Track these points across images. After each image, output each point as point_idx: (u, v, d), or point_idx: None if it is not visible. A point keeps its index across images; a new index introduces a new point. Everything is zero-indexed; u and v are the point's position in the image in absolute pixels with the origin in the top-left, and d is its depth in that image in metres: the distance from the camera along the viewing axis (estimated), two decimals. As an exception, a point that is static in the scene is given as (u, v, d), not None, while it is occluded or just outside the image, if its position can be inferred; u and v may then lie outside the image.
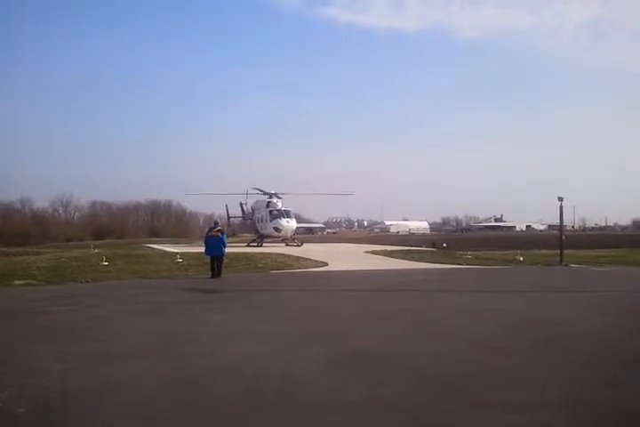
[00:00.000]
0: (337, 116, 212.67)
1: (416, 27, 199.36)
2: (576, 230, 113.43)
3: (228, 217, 51.65)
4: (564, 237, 25.55)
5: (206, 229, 20.88)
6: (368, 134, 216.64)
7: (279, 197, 41.79)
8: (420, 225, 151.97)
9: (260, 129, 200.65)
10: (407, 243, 45.62)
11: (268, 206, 40.88)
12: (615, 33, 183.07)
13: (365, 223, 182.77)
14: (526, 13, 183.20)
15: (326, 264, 22.33)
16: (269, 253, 25.96)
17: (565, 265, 23.01)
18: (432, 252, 32.33)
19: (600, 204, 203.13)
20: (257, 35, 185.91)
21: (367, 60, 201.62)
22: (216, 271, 17.45)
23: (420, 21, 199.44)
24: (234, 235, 55.22)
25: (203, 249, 18.78)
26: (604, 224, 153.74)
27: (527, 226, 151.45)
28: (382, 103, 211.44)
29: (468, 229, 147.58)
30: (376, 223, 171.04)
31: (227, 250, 18.24)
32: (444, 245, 41.02)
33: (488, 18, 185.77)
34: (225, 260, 18.23)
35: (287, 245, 38.42)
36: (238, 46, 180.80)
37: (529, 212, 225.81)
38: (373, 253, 30.12)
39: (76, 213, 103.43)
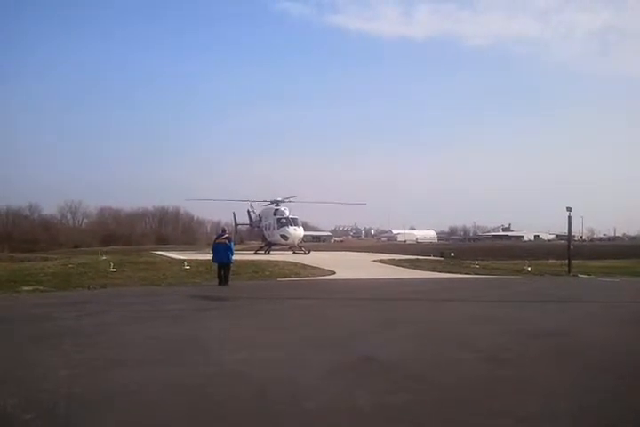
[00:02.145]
0: (342, 124, 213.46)
1: (425, 34, 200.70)
2: (584, 240, 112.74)
3: (236, 224, 51.74)
4: (572, 247, 25.40)
5: (214, 237, 20.89)
6: (374, 142, 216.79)
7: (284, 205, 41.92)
8: (427, 234, 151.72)
9: (266, 136, 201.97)
10: (414, 252, 45.46)
11: (275, 214, 40.91)
12: (623, 41, 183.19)
13: (373, 232, 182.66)
14: (535, 21, 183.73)
15: (333, 273, 22.29)
16: (277, 261, 25.96)
17: (574, 275, 22.88)
18: (440, 261, 32.24)
19: (608, 214, 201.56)
20: (264, 41, 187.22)
21: (374, 67, 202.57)
22: (223, 279, 17.45)
23: (428, 29, 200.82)
24: (241, 242, 55.34)
25: (210, 256, 18.80)
26: (612, 234, 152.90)
27: (535, 236, 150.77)
28: (388, 110, 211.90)
29: (476, 238, 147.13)
30: (383, 232, 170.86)
31: (234, 257, 18.23)
32: (452, 254, 40.86)
33: (497, 25, 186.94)
34: (232, 267, 18.22)
35: (294, 252, 38.42)
36: (245, 52, 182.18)
37: (537, 221, 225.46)
38: (381, 261, 30.05)
39: (84, 220, 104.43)
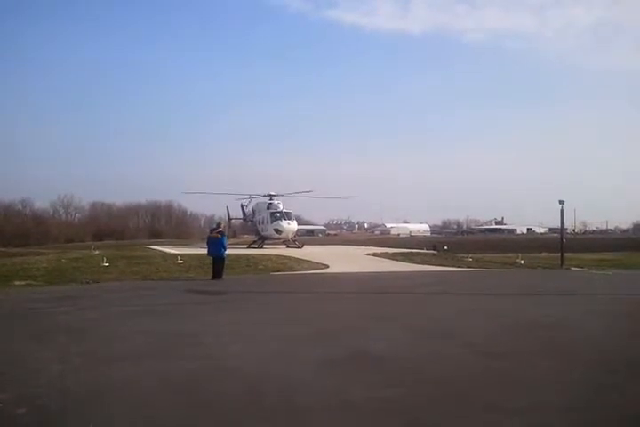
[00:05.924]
0: (338, 118, 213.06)
1: (421, 28, 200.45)
2: (577, 233, 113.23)
3: (229, 218, 51.56)
4: (564, 240, 25.49)
5: (208, 231, 20.90)
6: (369, 136, 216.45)
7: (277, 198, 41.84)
8: (420, 228, 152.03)
9: (261, 130, 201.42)
10: (408, 245, 45.58)
11: (268, 208, 40.75)
12: (619, 36, 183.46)
13: (366, 225, 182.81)
14: (531, 16, 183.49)
15: (327, 266, 22.29)
16: (270, 255, 25.92)
17: (566, 268, 22.96)
18: (433, 254, 32.27)
19: (601, 207, 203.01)
20: (262, 36, 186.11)
21: (370, 62, 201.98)
22: (217, 273, 17.44)
23: (424, 23, 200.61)
24: (234, 236, 55.14)
25: (203, 250, 18.82)
26: (604, 227, 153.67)
27: (528, 229, 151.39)
28: (383, 105, 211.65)
29: (469, 231, 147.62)
30: (377, 225, 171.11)
31: (227, 251, 18.20)
32: (445, 247, 40.91)
33: (493, 20, 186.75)
34: (226, 261, 18.18)
35: (288, 246, 38.33)
36: (242, 47, 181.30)
37: (530, 215, 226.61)
38: (374, 255, 30.05)
39: (77, 214, 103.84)
